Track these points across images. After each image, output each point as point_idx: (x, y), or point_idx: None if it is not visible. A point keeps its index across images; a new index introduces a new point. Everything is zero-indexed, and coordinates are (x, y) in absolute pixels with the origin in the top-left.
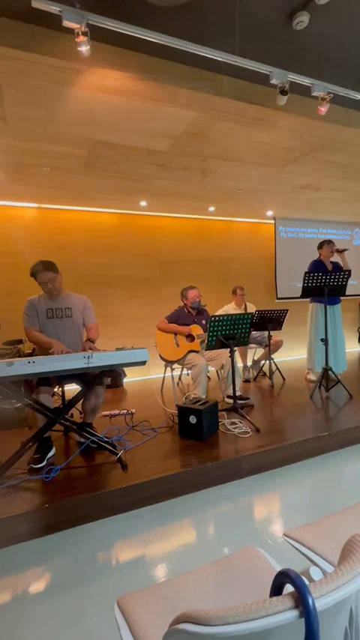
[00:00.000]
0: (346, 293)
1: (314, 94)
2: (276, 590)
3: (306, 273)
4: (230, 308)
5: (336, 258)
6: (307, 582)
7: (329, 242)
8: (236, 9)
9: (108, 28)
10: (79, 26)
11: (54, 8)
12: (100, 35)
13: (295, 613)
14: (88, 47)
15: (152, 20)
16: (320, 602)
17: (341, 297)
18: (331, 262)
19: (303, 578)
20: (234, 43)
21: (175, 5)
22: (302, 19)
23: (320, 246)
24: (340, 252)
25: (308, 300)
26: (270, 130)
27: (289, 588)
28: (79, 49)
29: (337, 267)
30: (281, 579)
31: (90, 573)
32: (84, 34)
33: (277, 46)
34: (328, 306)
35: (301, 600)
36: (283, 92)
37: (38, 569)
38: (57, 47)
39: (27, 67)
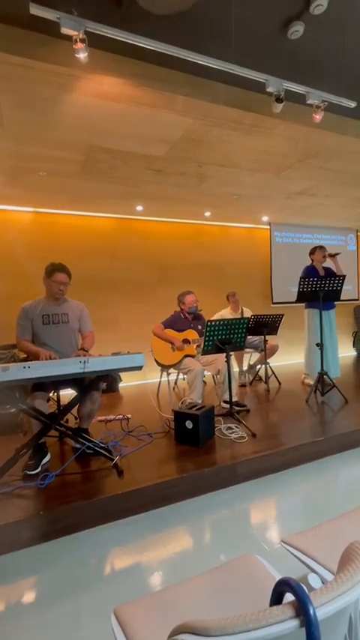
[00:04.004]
0: (341, 298)
1: (309, 102)
2: (276, 598)
3: (301, 278)
4: (226, 313)
5: (328, 263)
6: (307, 591)
7: (321, 247)
8: (232, 18)
9: (106, 35)
10: (77, 33)
11: (52, 15)
12: (97, 42)
13: (295, 622)
14: (86, 54)
15: (149, 28)
16: (321, 611)
17: (336, 302)
18: (324, 267)
19: (303, 586)
20: (230, 52)
21: (172, 14)
22: (297, 29)
23: (312, 251)
24: (332, 256)
25: (303, 305)
26: (266, 137)
27: (289, 597)
28: (76, 55)
29: (329, 272)
30: (281, 588)
31: (86, 582)
32: (82, 41)
33: (272, 54)
34: (323, 311)
35: (301, 609)
36: (279, 100)
37: (33, 578)
38: (55, 54)
39: (25, 73)
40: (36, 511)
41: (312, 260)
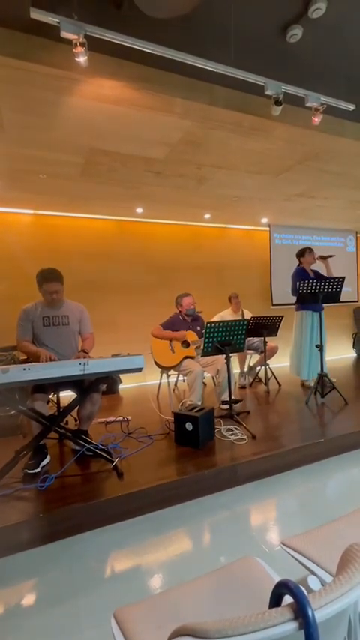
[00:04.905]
0: (340, 299)
1: (308, 104)
2: (275, 600)
3: (301, 281)
4: (227, 314)
5: (318, 265)
6: (306, 593)
7: (310, 250)
8: (231, 22)
9: (105, 39)
10: (77, 37)
11: (52, 19)
12: (97, 46)
13: (294, 625)
14: (86, 58)
15: (149, 32)
16: (320, 613)
17: (335, 304)
18: (312, 270)
19: (302, 588)
20: (229, 55)
21: (171, 17)
22: (296, 32)
23: (302, 254)
24: (325, 258)
25: (295, 307)
26: (265, 140)
27: (288, 599)
28: (76, 59)
29: (317, 274)
30: (280, 590)
31: (85, 584)
32: (82, 44)
33: (271, 58)
34: (316, 313)
35: (300, 611)
36: (278, 103)
37: (32, 581)
38: (55, 57)
39: (25, 77)
40: (36, 513)
41: (300, 262)
